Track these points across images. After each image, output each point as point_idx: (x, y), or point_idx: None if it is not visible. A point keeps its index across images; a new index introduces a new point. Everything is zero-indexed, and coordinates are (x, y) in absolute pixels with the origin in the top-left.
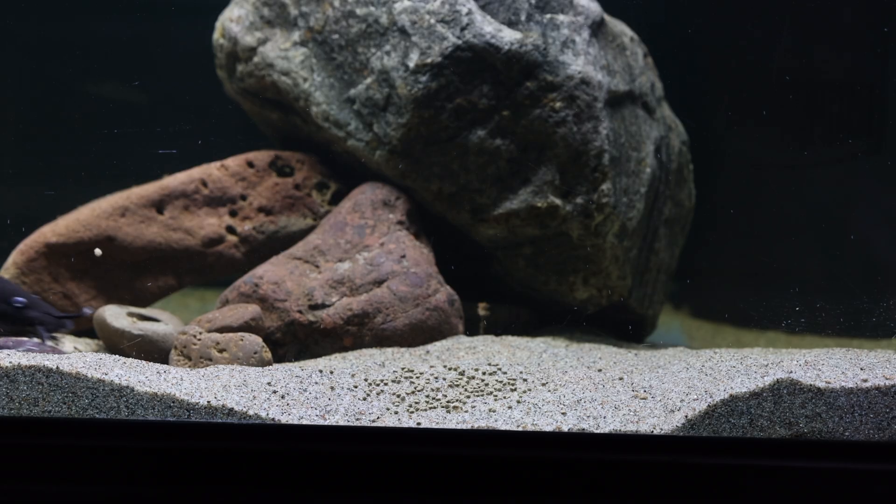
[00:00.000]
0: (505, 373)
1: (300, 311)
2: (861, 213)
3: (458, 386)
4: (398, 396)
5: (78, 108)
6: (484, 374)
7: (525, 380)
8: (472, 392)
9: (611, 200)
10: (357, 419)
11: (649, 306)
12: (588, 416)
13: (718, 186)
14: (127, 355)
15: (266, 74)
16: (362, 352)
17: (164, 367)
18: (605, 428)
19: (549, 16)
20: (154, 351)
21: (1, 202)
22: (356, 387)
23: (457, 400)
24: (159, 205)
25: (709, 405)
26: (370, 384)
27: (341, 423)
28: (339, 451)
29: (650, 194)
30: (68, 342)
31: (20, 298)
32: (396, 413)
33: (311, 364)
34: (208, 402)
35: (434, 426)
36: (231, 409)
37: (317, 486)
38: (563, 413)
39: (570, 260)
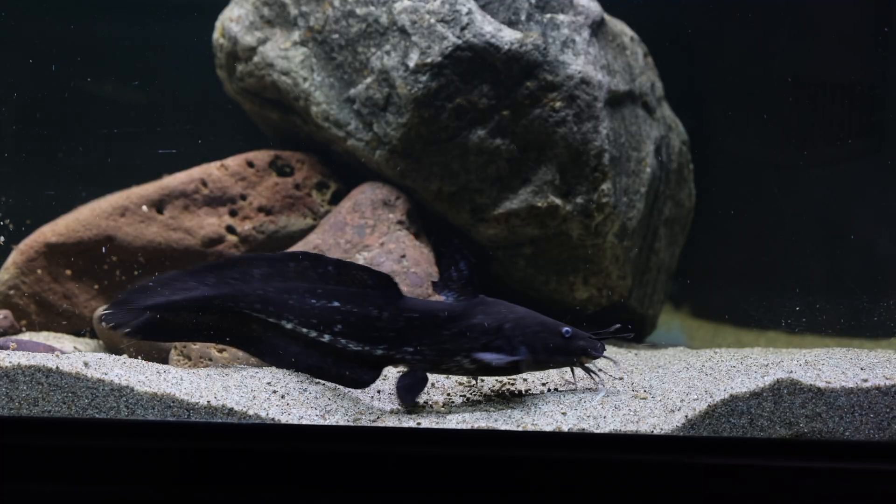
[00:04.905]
0: None
1: None
2: (861, 213)
3: (457, 385)
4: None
5: (78, 108)
6: None
7: (525, 379)
8: (472, 392)
9: (611, 200)
10: (357, 419)
11: (649, 306)
12: (588, 416)
13: (718, 186)
14: (127, 355)
15: (266, 74)
16: None
17: (164, 367)
18: (605, 428)
19: (549, 15)
20: (154, 351)
21: (1, 202)
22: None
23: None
24: (159, 204)
25: (709, 405)
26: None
27: (341, 423)
28: (339, 451)
29: (650, 194)
30: (68, 342)
31: (567, 328)
32: (396, 413)
33: None
34: (208, 402)
35: (434, 426)
36: (231, 409)
37: (317, 486)
38: (563, 413)
39: (570, 260)
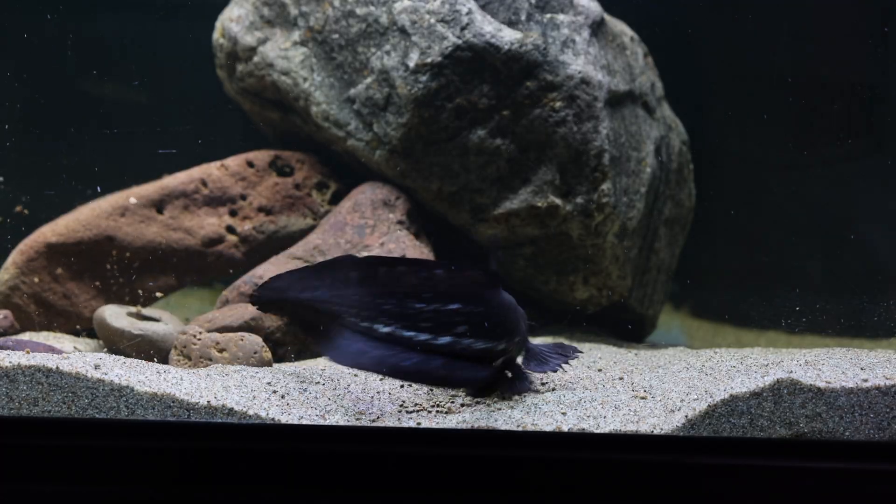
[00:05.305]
0: None
1: None
2: (861, 213)
3: None
4: (398, 396)
5: (78, 108)
6: None
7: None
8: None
9: (611, 200)
10: (357, 419)
11: (649, 306)
12: (588, 416)
13: (718, 186)
14: (127, 355)
15: (266, 74)
16: None
17: (164, 367)
18: (605, 428)
19: (549, 15)
20: (154, 351)
21: (1, 202)
22: (356, 386)
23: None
24: (159, 205)
25: (709, 405)
26: (370, 384)
27: (341, 423)
28: (339, 451)
29: (650, 194)
30: (67, 342)
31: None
32: (396, 413)
33: (311, 364)
34: (208, 402)
35: (434, 426)
36: (231, 409)
37: (317, 486)
38: (563, 413)
39: (570, 260)
